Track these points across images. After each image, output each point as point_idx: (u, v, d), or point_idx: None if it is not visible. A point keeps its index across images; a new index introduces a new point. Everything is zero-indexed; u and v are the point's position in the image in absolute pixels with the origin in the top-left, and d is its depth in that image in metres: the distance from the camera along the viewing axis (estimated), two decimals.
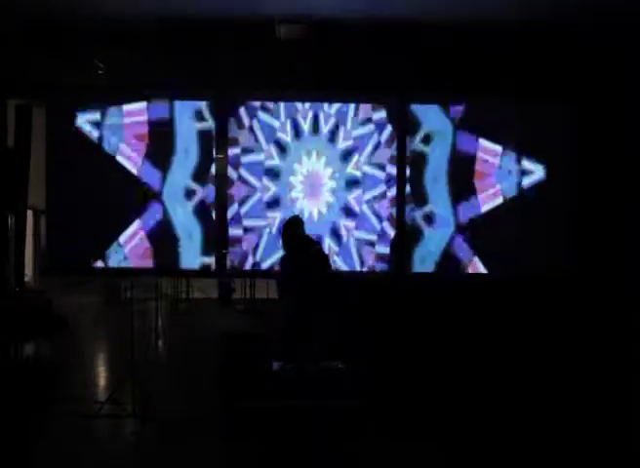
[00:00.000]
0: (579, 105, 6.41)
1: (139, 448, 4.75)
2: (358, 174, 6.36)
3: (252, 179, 6.35)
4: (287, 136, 6.36)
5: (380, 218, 6.37)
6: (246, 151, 6.35)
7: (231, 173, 6.33)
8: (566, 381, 5.86)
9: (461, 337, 6.19)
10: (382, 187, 6.38)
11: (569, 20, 5.89)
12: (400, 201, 6.37)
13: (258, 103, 6.34)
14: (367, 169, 6.36)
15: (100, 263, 6.26)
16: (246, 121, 6.34)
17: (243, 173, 6.35)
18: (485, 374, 5.93)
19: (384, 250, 6.35)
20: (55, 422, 5.10)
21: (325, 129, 6.37)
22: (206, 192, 6.31)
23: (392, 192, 6.38)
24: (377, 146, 6.35)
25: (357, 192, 6.37)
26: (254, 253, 6.34)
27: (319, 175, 6.38)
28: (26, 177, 6.91)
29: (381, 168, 6.37)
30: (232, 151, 6.33)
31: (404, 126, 6.38)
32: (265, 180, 6.36)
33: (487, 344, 6.18)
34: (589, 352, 6.14)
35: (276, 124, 6.35)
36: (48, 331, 8.27)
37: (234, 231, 6.33)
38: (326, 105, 6.36)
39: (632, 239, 6.32)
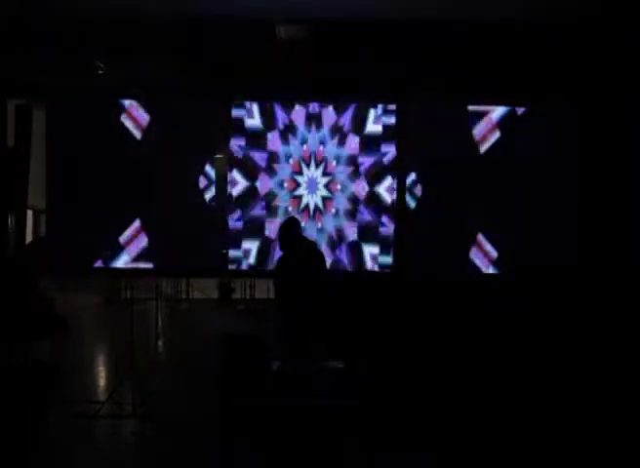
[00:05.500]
0: (580, 104, 6.41)
1: (139, 448, 4.75)
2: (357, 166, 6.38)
3: (252, 180, 6.35)
4: (286, 136, 6.36)
5: (380, 210, 6.37)
6: (246, 151, 6.35)
7: (232, 173, 6.33)
8: (569, 378, 5.85)
9: (461, 334, 6.18)
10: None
11: (570, 21, 5.89)
12: (400, 197, 6.37)
13: (258, 104, 6.35)
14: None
15: (99, 263, 6.27)
16: (246, 121, 6.34)
17: (243, 173, 6.35)
18: (486, 370, 5.93)
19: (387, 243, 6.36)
20: (55, 422, 5.10)
21: (325, 130, 6.37)
22: (207, 193, 6.32)
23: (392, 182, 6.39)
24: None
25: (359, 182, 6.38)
26: (254, 254, 6.34)
27: (320, 176, 6.38)
28: (26, 177, 6.90)
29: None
30: (233, 147, 6.33)
31: (404, 126, 6.38)
32: (265, 180, 6.36)
33: (488, 339, 6.17)
34: (591, 348, 6.13)
35: (276, 124, 6.35)
36: (48, 332, 8.27)
37: (234, 231, 6.33)
38: (327, 108, 6.36)
39: (635, 236, 6.32)
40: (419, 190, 6.38)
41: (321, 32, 6.09)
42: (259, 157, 6.35)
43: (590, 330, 6.20)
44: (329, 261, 6.04)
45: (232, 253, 6.31)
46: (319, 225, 6.35)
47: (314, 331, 4.86)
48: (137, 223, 6.27)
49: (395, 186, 6.37)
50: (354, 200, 6.37)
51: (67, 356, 7.63)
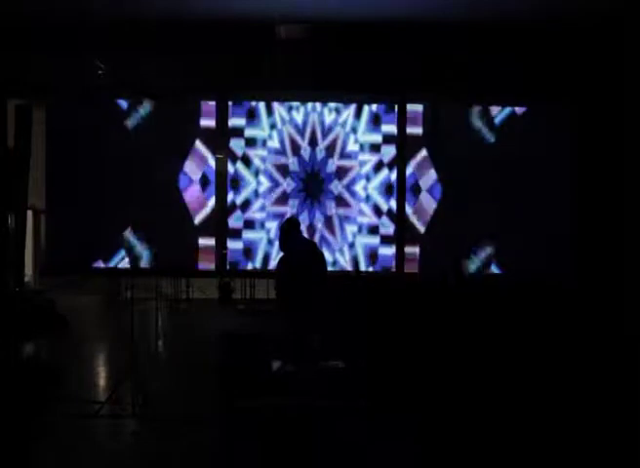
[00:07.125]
0: (580, 107, 6.42)
1: (139, 448, 4.75)
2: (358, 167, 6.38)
3: (252, 179, 6.36)
4: (286, 136, 6.37)
5: (380, 210, 6.38)
6: (246, 151, 6.36)
7: (232, 173, 6.34)
8: (568, 383, 5.86)
9: (461, 340, 6.18)
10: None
11: (570, 21, 5.89)
12: (400, 199, 6.37)
13: (258, 104, 6.35)
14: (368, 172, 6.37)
15: (100, 263, 6.27)
16: (246, 121, 6.35)
17: (243, 172, 6.36)
18: (482, 377, 5.93)
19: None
20: (55, 422, 5.10)
21: (324, 130, 6.37)
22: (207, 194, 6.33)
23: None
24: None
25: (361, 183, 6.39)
26: (254, 254, 6.35)
27: (319, 176, 6.39)
28: (26, 177, 6.91)
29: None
30: (233, 147, 6.34)
31: (404, 126, 6.39)
32: (265, 180, 6.36)
33: (486, 347, 6.17)
34: (590, 351, 6.13)
35: (276, 123, 6.36)
36: (48, 331, 8.27)
37: (234, 230, 6.34)
38: (327, 108, 6.37)
39: (631, 242, 6.32)
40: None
41: (321, 32, 6.10)
42: (258, 157, 6.36)
43: (590, 332, 6.20)
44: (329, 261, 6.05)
45: (232, 253, 6.33)
46: (320, 225, 6.36)
47: (316, 331, 4.86)
48: (137, 223, 6.28)
49: (395, 186, 6.38)
50: (354, 200, 6.37)
51: (67, 356, 7.62)
